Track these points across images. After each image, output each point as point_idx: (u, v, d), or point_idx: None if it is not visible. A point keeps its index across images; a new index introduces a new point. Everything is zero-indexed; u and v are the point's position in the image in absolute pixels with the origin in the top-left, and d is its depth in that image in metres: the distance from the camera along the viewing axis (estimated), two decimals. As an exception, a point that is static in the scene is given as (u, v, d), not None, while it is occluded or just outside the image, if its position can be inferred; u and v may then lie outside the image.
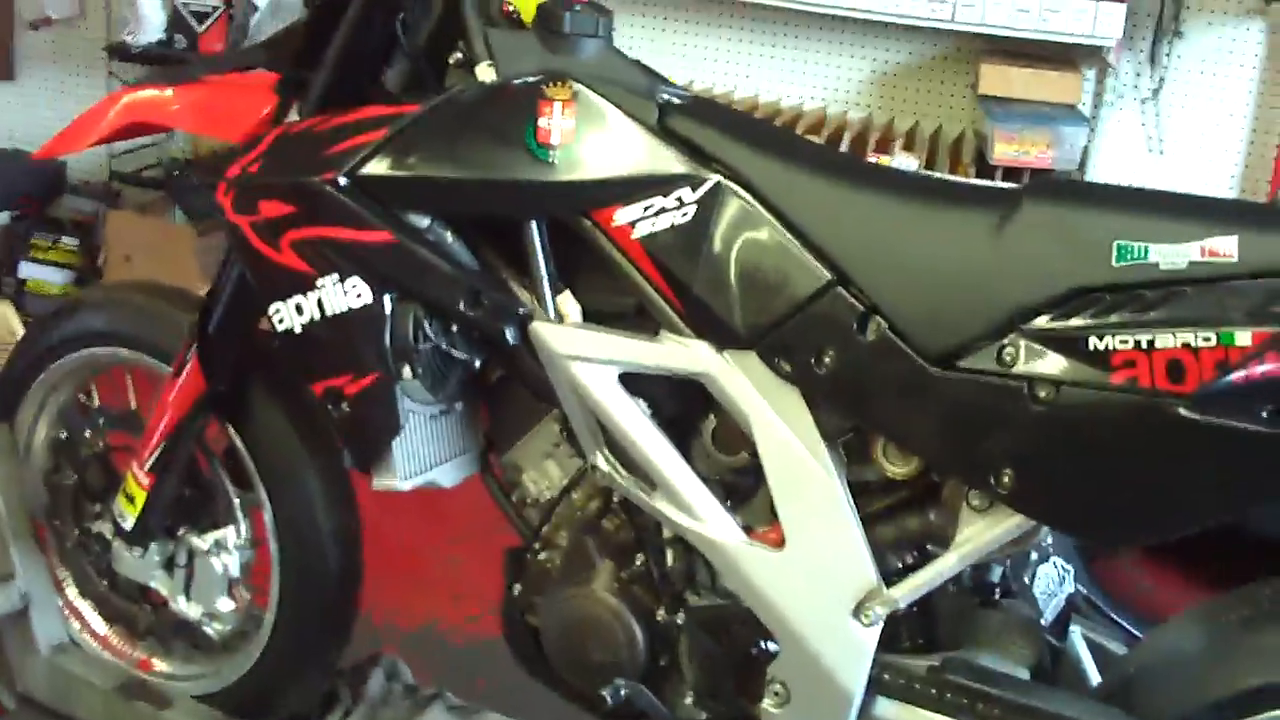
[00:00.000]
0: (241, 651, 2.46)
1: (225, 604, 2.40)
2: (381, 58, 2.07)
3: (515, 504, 2.13)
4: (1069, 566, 1.92)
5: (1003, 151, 3.73)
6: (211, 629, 2.45)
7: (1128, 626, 1.99)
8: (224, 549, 2.37)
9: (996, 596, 1.96)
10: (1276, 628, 1.69)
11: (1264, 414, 1.58)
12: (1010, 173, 3.68)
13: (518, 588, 2.11)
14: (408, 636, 3.03)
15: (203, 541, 2.38)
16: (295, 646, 2.38)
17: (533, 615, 2.10)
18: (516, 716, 2.68)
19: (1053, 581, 1.90)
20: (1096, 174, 3.96)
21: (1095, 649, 1.95)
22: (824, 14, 4.10)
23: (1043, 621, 1.92)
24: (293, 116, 2.08)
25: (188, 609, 2.42)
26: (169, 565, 2.43)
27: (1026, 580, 1.90)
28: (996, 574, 1.91)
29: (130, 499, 2.34)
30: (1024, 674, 1.86)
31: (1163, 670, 1.76)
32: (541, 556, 2.09)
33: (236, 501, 2.37)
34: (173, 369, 2.26)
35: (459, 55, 2.01)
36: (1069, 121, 3.82)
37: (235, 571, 2.38)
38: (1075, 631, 1.94)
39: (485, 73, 1.94)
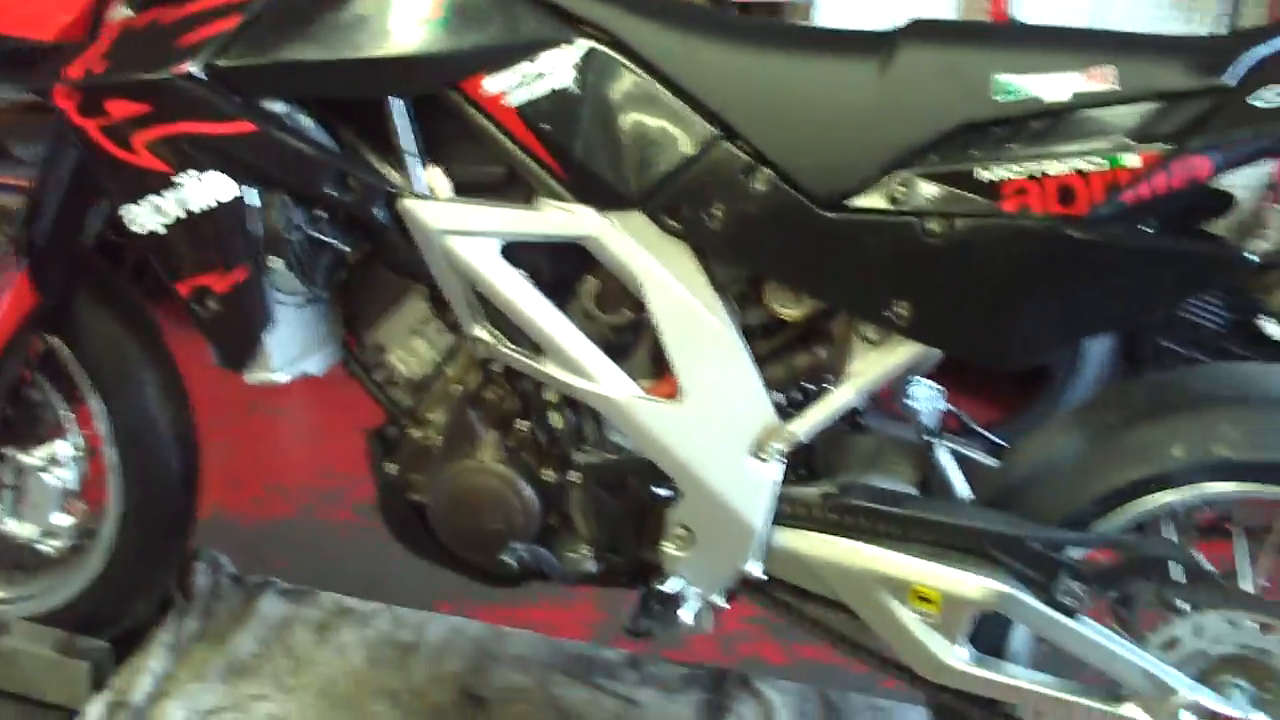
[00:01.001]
0: (78, 566, 2.38)
1: (61, 519, 2.31)
2: None
3: (380, 384, 2.10)
4: (938, 385, 2.01)
5: (740, -17, 3.77)
6: (48, 546, 2.35)
7: (993, 439, 2.10)
8: (56, 463, 2.27)
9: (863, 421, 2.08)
10: (1151, 423, 1.83)
11: (1149, 230, 1.70)
12: (743, 8, 3.74)
13: (393, 467, 2.09)
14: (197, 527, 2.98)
15: (33, 459, 2.27)
16: (142, 552, 2.32)
17: (415, 493, 2.09)
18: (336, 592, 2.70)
19: (924, 400, 1.99)
20: (821, 5, 4.02)
21: (963, 462, 2.06)
22: None
23: (917, 439, 2.03)
24: (122, 10, 1.95)
25: (19, 530, 2.32)
26: (-8, 488, 2.32)
27: (902, 401, 1.98)
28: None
29: (-41, 420, 2.21)
30: (912, 490, 1.98)
31: (1042, 474, 1.88)
32: (416, 434, 2.08)
33: (65, 413, 2.26)
34: None
35: None
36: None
37: (73, 484, 2.29)
38: (943, 446, 2.04)
39: None
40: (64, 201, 2.10)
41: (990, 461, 2.07)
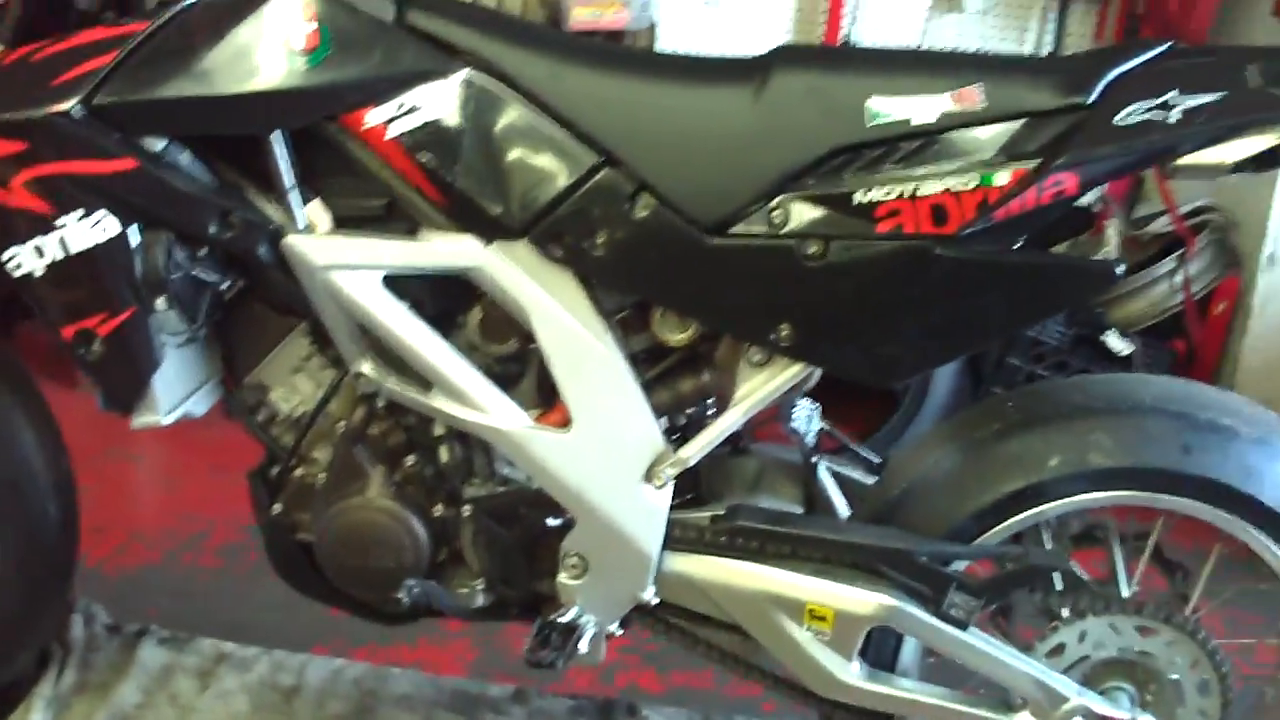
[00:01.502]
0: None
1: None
2: None
3: (262, 424, 2.07)
4: (815, 404, 2.05)
5: (579, 15, 3.81)
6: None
7: (869, 456, 2.15)
8: None
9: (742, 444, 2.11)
10: (1025, 434, 1.90)
11: (1019, 245, 1.76)
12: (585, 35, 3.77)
13: (278, 507, 2.07)
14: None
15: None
16: (22, 604, 2.25)
17: (301, 532, 2.07)
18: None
19: (804, 420, 2.03)
20: (662, 31, 4.08)
21: (842, 481, 2.10)
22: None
23: (799, 459, 2.06)
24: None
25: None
26: None
27: (786, 422, 2.02)
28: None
29: None
30: (799, 510, 2.01)
31: (921, 489, 1.94)
32: (300, 473, 2.06)
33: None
34: None
35: None
36: (638, -19, 3.92)
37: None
38: (824, 466, 2.08)
39: None
40: None
41: (868, 479, 2.12)
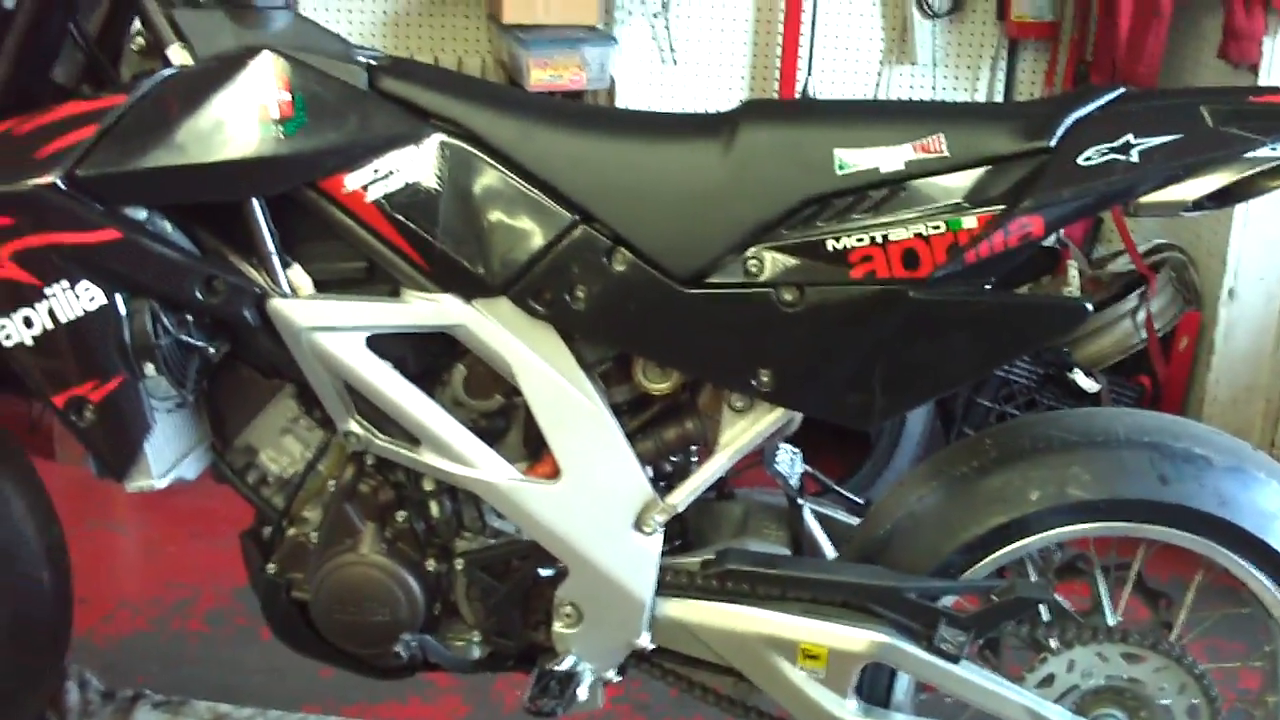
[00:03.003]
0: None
1: (-75, 649, 2.23)
2: (54, 52, 1.96)
3: (253, 486, 2.09)
4: (796, 449, 2.09)
5: (538, 77, 3.82)
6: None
7: (851, 497, 2.19)
8: None
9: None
10: (1005, 470, 1.94)
11: (988, 286, 1.81)
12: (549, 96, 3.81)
13: (271, 567, 2.09)
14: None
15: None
16: (15, 675, 2.25)
17: (296, 591, 2.09)
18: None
19: (787, 464, 2.07)
20: (621, 89, 4.15)
21: (825, 522, 2.14)
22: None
23: (784, 502, 2.10)
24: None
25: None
26: None
27: (769, 466, 2.06)
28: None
29: None
30: (787, 552, 2.05)
31: (906, 527, 1.98)
32: (292, 533, 2.08)
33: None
34: None
35: (140, 41, 1.95)
36: (596, 42, 3.95)
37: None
38: (808, 507, 2.12)
39: (178, 55, 1.88)
40: None
41: (851, 520, 2.16)
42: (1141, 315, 3.99)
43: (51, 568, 2.25)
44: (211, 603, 3.31)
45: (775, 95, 4.32)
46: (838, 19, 4.38)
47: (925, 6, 4.36)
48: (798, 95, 4.29)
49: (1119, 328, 4.01)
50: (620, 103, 4.09)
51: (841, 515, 2.15)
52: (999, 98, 4.42)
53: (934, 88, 4.43)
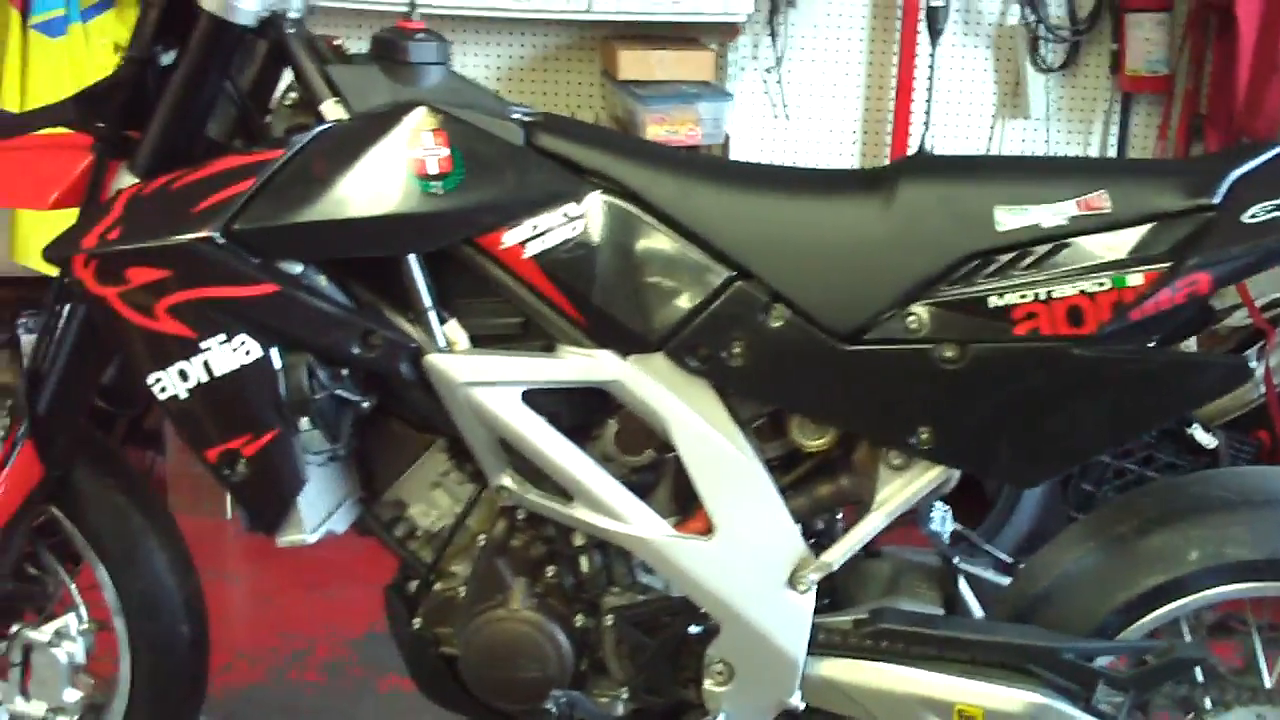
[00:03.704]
0: (86, 742, 2.33)
1: (71, 695, 2.24)
2: (209, 108, 1.99)
3: (400, 539, 2.10)
4: (947, 506, 2.08)
5: (654, 133, 3.82)
6: (55, 725, 2.30)
7: (1000, 556, 2.17)
8: (66, 637, 2.22)
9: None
10: (1165, 530, 1.91)
11: (1152, 344, 1.79)
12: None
13: (418, 622, 2.09)
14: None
15: (41, 634, 2.22)
16: (154, 722, 2.28)
17: (444, 646, 2.09)
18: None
19: (939, 522, 2.05)
20: (735, 144, 4.16)
21: (972, 580, 2.12)
22: (445, 15, 4.08)
23: (936, 560, 2.09)
24: (126, 178, 1.97)
25: (28, 709, 2.25)
26: (-2, 670, 2.27)
27: (924, 524, 2.04)
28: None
29: (-41, 603, 2.16)
30: (939, 611, 2.03)
31: (1061, 587, 1.95)
32: (439, 587, 2.08)
33: (73, 586, 2.23)
34: None
35: (294, 96, 1.98)
36: (711, 97, 3.95)
37: (80, 658, 2.24)
38: (961, 566, 2.10)
39: (334, 110, 1.91)
40: (66, 371, 2.08)
41: (999, 578, 2.13)
42: (1260, 370, 3.94)
43: (191, 619, 2.27)
44: (327, 654, 3.32)
45: (888, 150, 4.32)
46: (951, 73, 4.38)
47: (1039, 61, 4.35)
48: (912, 150, 4.28)
49: (1237, 383, 3.96)
50: (734, 158, 4.10)
51: (989, 574, 2.13)
52: (1112, 152, 4.39)
53: (1047, 142, 4.41)
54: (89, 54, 4.07)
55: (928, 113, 4.31)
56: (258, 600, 3.75)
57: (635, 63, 3.99)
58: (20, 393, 2.09)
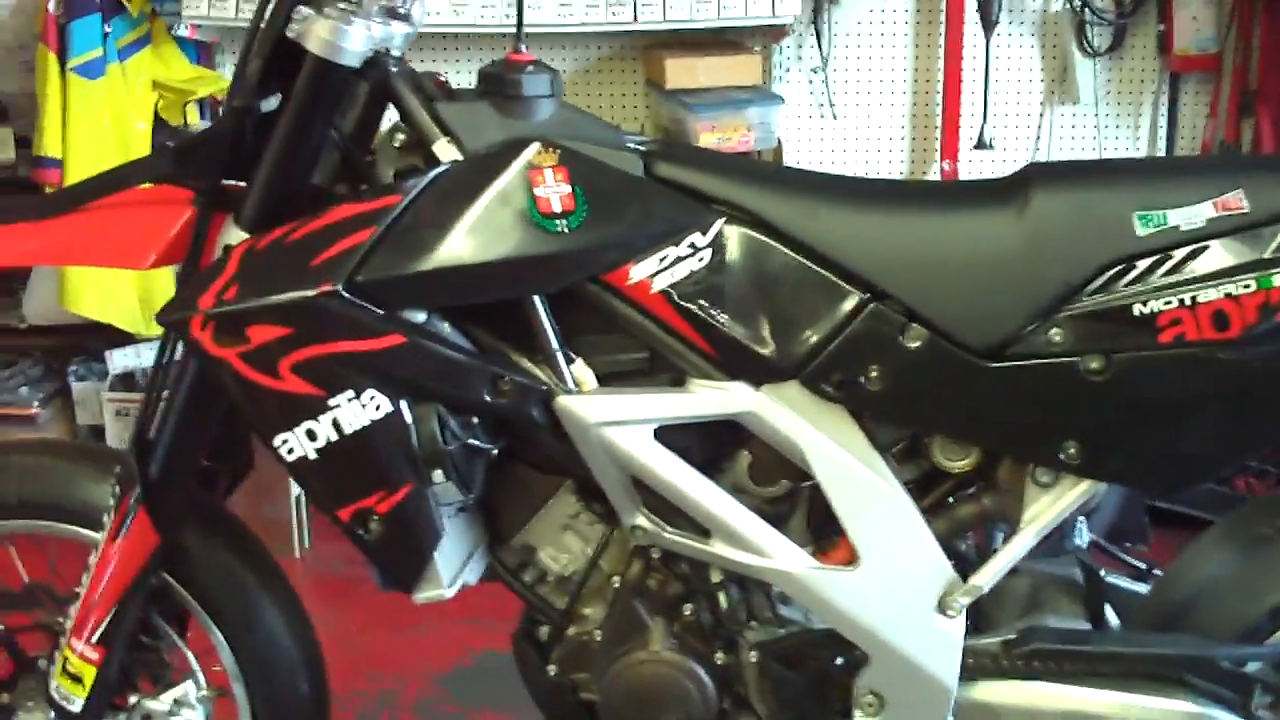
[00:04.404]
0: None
1: (194, 762, 2.22)
2: (316, 155, 1.94)
3: (529, 585, 2.05)
4: (1084, 519, 2.04)
5: (706, 141, 3.79)
6: (181, 793, 2.25)
7: (1135, 563, 2.13)
8: (185, 705, 2.18)
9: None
10: (1319, 526, 1.88)
11: None
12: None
13: (553, 669, 2.05)
14: None
15: (160, 704, 2.17)
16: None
17: (582, 692, 2.05)
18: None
19: (1078, 534, 2.01)
20: (785, 146, 4.12)
21: (1113, 592, 2.07)
22: (483, 33, 4.05)
23: (1077, 574, 2.04)
24: (234, 233, 1.91)
25: (152, 780, 2.22)
26: (120, 740, 2.22)
27: (1070, 540, 2.00)
28: (999, 541, 2.01)
29: (75, 679, 2.09)
30: (1086, 625, 1.99)
31: (1210, 591, 1.92)
32: (573, 632, 2.03)
33: (189, 652, 2.19)
34: (110, 529, 2.05)
35: (401, 137, 1.93)
36: (760, 102, 3.92)
37: (201, 726, 2.21)
38: (1104, 579, 2.05)
39: (446, 150, 1.86)
40: (177, 434, 2.02)
41: (1135, 586, 2.09)
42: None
43: (310, 676, 2.23)
44: (417, 694, 3.29)
45: (938, 145, 4.30)
46: (996, 62, 4.32)
47: (1086, 45, 4.31)
48: (974, 142, 4.25)
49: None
50: (788, 161, 4.06)
51: (1125, 582, 2.09)
52: (1162, 133, 4.37)
53: (1097, 126, 4.38)
54: (128, 94, 4.07)
55: (985, 105, 4.27)
56: (339, 642, 3.69)
57: (682, 71, 3.94)
58: (129, 460, 2.04)
